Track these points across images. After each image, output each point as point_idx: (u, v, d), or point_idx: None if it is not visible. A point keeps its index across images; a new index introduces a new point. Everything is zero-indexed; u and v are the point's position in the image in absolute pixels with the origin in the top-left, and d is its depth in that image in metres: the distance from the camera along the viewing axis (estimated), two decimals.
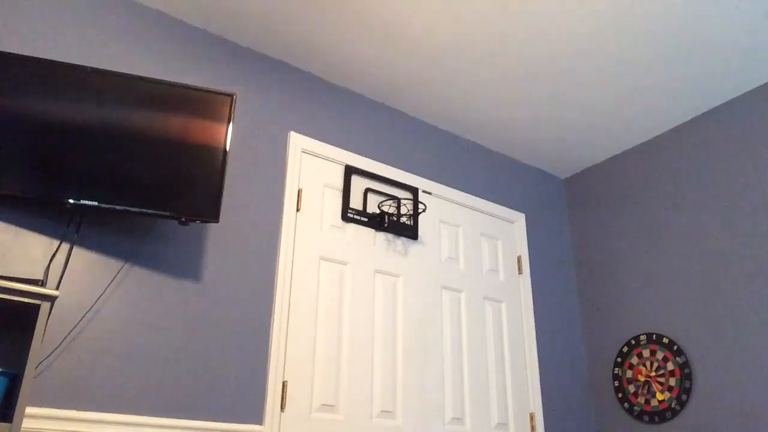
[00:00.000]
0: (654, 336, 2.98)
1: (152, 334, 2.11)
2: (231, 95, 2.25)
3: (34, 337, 1.52)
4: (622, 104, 3.03)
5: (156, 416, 2.02)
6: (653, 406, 2.89)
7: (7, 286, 1.52)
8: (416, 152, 3.12)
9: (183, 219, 2.07)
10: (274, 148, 2.64)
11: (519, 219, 3.38)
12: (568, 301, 3.40)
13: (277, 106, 2.72)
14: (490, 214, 3.28)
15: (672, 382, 2.85)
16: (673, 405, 2.81)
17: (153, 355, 2.09)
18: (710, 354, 2.75)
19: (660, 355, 2.93)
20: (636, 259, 3.19)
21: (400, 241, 2.87)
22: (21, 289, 1.53)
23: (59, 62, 2.03)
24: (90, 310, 2.02)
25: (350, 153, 2.86)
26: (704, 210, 2.94)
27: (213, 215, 2.11)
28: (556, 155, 3.51)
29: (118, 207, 1.98)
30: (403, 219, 2.91)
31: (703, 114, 3.07)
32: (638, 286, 3.14)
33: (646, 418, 2.91)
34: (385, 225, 2.81)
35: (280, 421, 2.25)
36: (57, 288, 1.97)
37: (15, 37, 2.16)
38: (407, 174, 3.02)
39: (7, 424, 1.45)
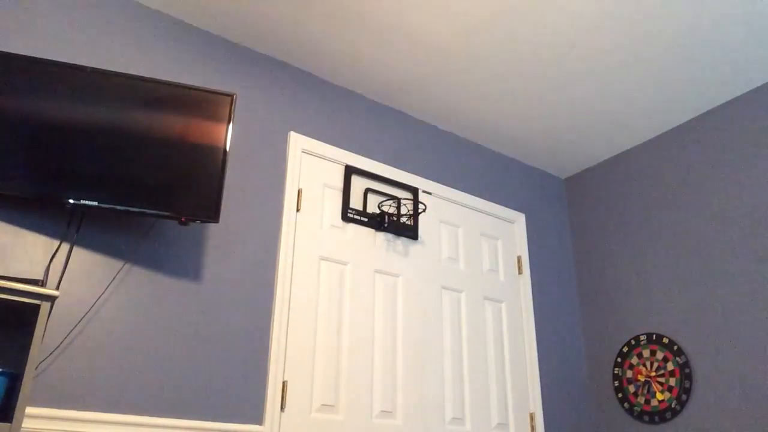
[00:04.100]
0: (654, 336, 2.98)
1: (152, 334, 2.11)
2: (231, 95, 2.25)
3: (34, 337, 1.52)
4: (622, 104, 3.03)
5: (156, 416, 2.02)
6: (653, 406, 2.89)
7: (7, 286, 1.52)
8: (416, 152, 3.12)
9: (183, 219, 2.07)
10: (274, 148, 2.64)
11: (519, 219, 3.38)
12: (568, 301, 3.40)
13: (277, 106, 2.72)
14: (490, 214, 3.28)
15: (672, 382, 2.85)
16: (673, 405, 2.81)
17: (153, 355, 2.09)
18: (710, 354, 2.75)
19: (660, 355, 2.93)
20: (636, 259, 3.19)
21: (400, 241, 2.87)
22: (21, 289, 1.53)
23: (59, 62, 2.03)
24: (90, 310, 2.02)
25: (350, 153, 2.85)
26: (704, 209, 2.94)
27: (213, 215, 2.11)
28: (556, 155, 3.51)
29: (118, 207, 1.98)
30: (403, 219, 2.91)
31: (703, 114, 3.07)
32: (638, 286, 3.14)
33: (646, 418, 2.91)
34: (385, 225, 2.81)
35: (280, 421, 2.25)
36: (57, 288, 1.97)
37: (15, 37, 2.16)
38: (407, 174, 3.02)
39: (7, 424, 1.45)
